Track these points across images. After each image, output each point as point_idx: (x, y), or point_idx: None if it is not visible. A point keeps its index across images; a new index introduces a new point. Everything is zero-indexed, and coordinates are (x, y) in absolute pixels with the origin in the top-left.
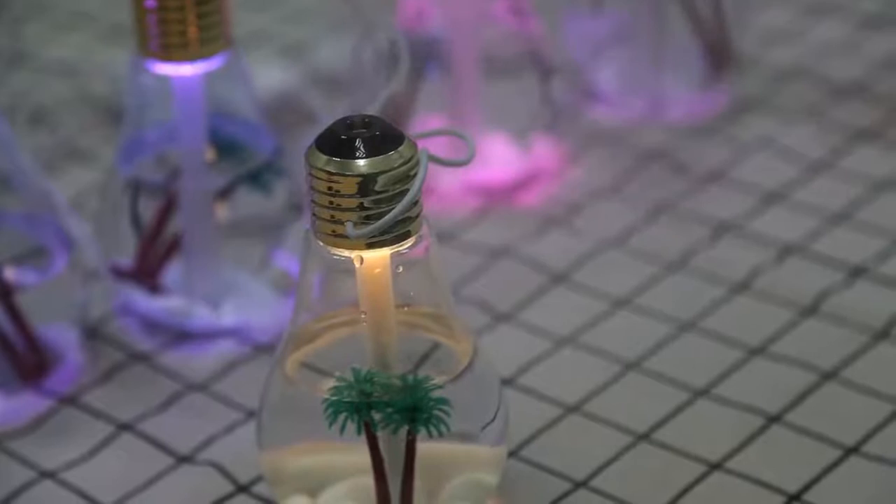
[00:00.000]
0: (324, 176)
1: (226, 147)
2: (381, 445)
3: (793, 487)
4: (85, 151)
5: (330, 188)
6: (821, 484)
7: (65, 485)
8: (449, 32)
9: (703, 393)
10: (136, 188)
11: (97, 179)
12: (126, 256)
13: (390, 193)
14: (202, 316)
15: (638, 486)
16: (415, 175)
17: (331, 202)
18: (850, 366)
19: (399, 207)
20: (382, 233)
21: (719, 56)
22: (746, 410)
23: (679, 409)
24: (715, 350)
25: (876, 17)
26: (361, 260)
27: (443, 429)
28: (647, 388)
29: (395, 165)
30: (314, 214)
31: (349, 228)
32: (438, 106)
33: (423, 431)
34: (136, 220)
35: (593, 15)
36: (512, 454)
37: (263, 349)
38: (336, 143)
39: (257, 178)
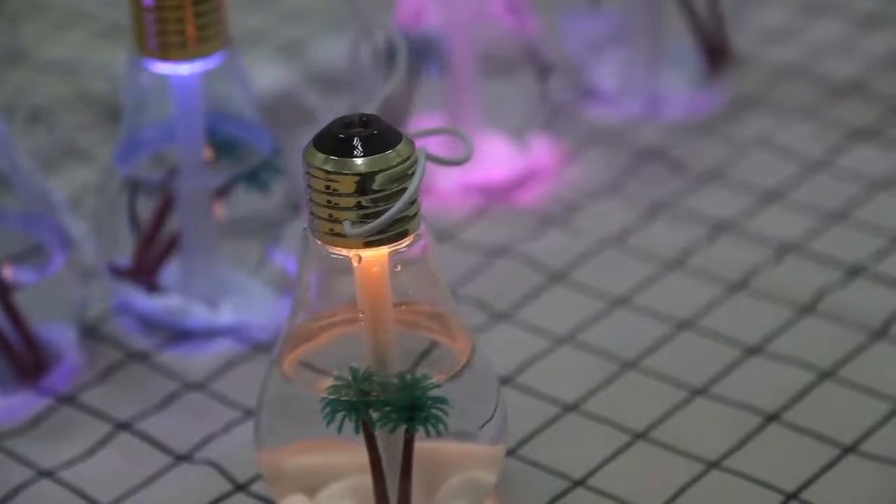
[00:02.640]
0: (321, 175)
1: (224, 146)
2: (379, 444)
3: (790, 486)
4: (83, 150)
5: (328, 187)
6: (818, 482)
7: (63, 484)
8: (447, 31)
9: (700, 392)
10: (134, 187)
11: (95, 178)
12: (124, 255)
13: (388, 192)
14: (200, 315)
15: (635, 484)
16: (413, 174)
17: (328, 201)
18: (847, 364)
19: (397, 206)
20: (380, 231)
21: (717, 54)
22: (744, 409)
23: (677, 408)
24: (712, 349)
25: (873, 16)
26: (359, 259)
27: (441, 428)
28: (644, 386)
29: (393, 164)
30: (312, 213)
31: (347, 227)
32: (436, 105)
33: (421, 430)
34: (133, 218)
35: (591, 13)
36: (510, 453)
37: (261, 348)
38: (334, 141)
39: (255, 176)
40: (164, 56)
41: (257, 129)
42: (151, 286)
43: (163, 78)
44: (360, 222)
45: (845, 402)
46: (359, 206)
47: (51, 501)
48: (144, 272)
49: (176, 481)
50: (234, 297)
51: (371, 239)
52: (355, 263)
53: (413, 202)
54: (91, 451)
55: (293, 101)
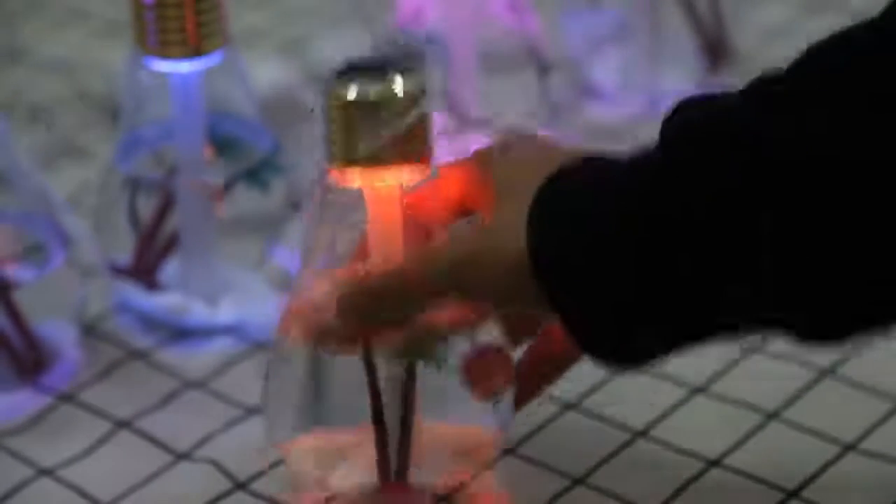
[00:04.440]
0: (339, 103)
1: (224, 144)
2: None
3: (791, 484)
4: (82, 149)
5: (343, 114)
6: (819, 481)
7: (62, 482)
8: (447, 30)
9: (700, 389)
10: (134, 185)
11: (95, 177)
12: (124, 253)
13: (400, 117)
14: (200, 313)
15: (636, 482)
16: (423, 98)
17: (344, 125)
18: (848, 362)
19: (407, 122)
20: (392, 150)
21: (716, 52)
22: (744, 407)
23: (676, 406)
24: (713, 347)
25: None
26: (371, 187)
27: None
28: (644, 384)
29: (404, 91)
30: (329, 146)
31: (361, 149)
32: (436, 103)
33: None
34: (133, 217)
35: (591, 11)
36: (510, 451)
37: (261, 346)
38: (353, 71)
39: (255, 174)
40: (164, 54)
41: (257, 127)
42: (151, 284)
43: (163, 76)
44: (373, 145)
45: (846, 400)
46: (372, 130)
47: (51, 499)
48: (144, 270)
49: (176, 479)
50: (233, 294)
51: (384, 159)
52: (367, 192)
53: (423, 124)
54: (91, 450)
55: (293, 99)
